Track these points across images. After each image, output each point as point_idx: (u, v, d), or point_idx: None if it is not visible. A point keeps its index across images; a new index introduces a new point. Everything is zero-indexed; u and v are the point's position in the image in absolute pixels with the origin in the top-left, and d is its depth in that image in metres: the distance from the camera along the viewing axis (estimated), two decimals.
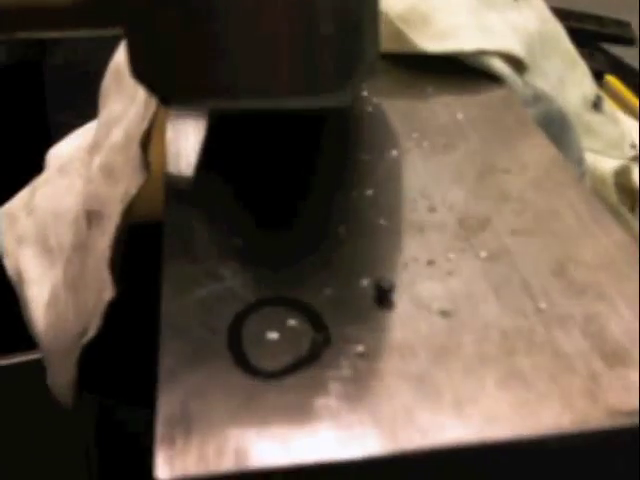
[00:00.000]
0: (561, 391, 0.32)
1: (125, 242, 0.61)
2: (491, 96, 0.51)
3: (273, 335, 0.35)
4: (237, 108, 0.40)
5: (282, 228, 0.41)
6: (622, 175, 0.60)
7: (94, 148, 0.72)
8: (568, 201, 0.43)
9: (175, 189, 0.43)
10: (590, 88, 0.64)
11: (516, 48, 0.54)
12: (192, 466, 0.29)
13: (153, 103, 0.56)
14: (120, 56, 0.72)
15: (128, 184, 0.61)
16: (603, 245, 0.39)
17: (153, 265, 0.67)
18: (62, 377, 0.67)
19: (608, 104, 0.66)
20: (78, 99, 1.03)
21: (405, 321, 0.36)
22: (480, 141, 0.48)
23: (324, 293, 0.37)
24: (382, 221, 0.42)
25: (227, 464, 0.29)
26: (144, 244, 0.61)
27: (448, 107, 0.51)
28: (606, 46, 0.96)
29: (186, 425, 0.30)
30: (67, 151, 0.83)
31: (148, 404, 0.65)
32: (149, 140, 0.56)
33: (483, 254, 0.39)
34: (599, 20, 1.01)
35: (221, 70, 0.36)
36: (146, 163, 0.56)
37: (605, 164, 0.61)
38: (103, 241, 0.66)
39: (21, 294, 0.76)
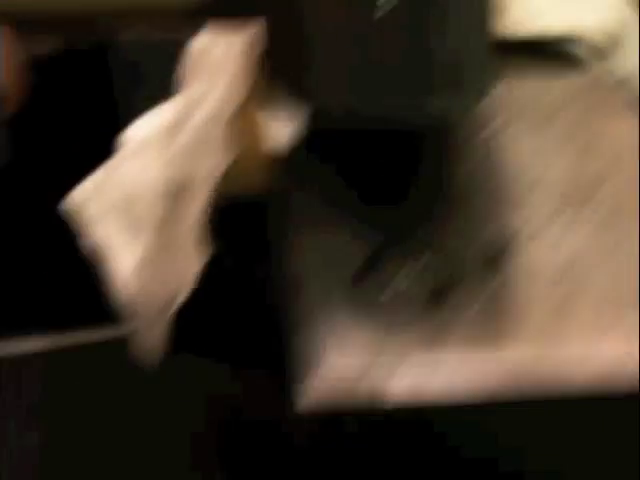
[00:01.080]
0: None
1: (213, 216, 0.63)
2: (579, 81, 0.53)
3: (394, 287, 0.37)
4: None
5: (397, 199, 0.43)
6: None
7: (175, 128, 0.75)
8: None
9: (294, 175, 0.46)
10: None
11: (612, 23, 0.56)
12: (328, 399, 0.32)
13: (239, 89, 0.59)
14: (200, 43, 0.75)
15: (214, 162, 0.64)
16: None
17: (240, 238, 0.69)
18: (152, 339, 0.70)
19: None
20: (148, 82, 1.06)
21: (515, 286, 0.38)
22: (574, 122, 0.50)
23: (436, 258, 0.39)
24: (488, 194, 0.44)
25: (361, 400, 0.32)
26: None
27: (540, 89, 0.53)
28: None
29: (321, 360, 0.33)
30: (143, 132, 0.86)
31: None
32: (236, 122, 0.59)
33: (589, 225, 0.41)
34: None
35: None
36: (229, 142, 0.59)
37: None
38: (190, 214, 0.69)
39: (104, 266, 0.79)
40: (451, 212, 0.42)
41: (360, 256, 0.38)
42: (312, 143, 0.47)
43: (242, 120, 0.57)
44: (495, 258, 0.38)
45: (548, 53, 0.55)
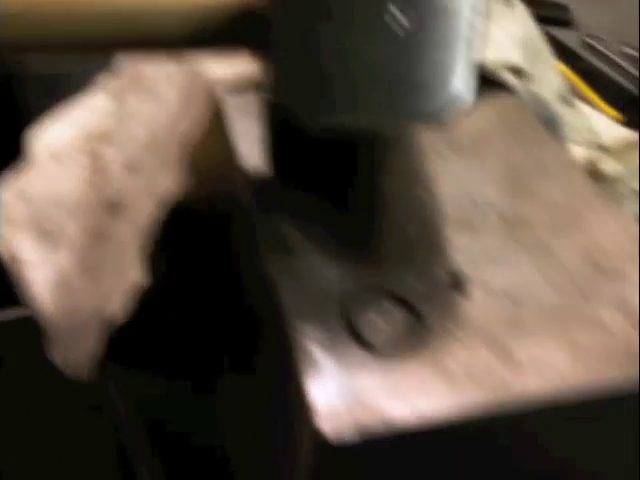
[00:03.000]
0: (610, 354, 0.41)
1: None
2: (505, 104, 0.59)
3: (376, 318, 0.42)
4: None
5: (359, 228, 0.48)
6: (592, 163, 0.70)
7: (106, 140, 0.76)
8: (582, 196, 0.51)
9: (258, 187, 0.49)
10: (558, 81, 0.72)
11: (516, 58, 0.62)
12: (349, 427, 0.36)
13: (195, 107, 0.60)
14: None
15: (158, 180, 0.65)
16: (619, 233, 0.48)
17: (183, 250, 0.71)
18: (79, 354, 0.71)
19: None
20: (48, 82, 1.05)
21: (480, 305, 0.43)
22: (503, 148, 0.55)
23: (409, 282, 0.44)
24: (439, 220, 0.49)
25: (375, 424, 0.36)
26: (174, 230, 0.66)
27: (470, 115, 0.58)
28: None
29: (338, 396, 0.37)
30: (58, 137, 0.85)
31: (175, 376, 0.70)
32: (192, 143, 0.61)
33: (528, 247, 0.47)
34: (538, 3, 1.10)
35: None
36: (191, 165, 0.61)
37: (576, 153, 0.70)
38: (128, 231, 0.70)
39: (18, 276, 0.79)
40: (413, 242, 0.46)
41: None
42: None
43: (199, 142, 0.59)
44: (461, 280, 0.43)
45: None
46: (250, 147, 0.52)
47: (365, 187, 0.51)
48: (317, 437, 0.36)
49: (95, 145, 0.84)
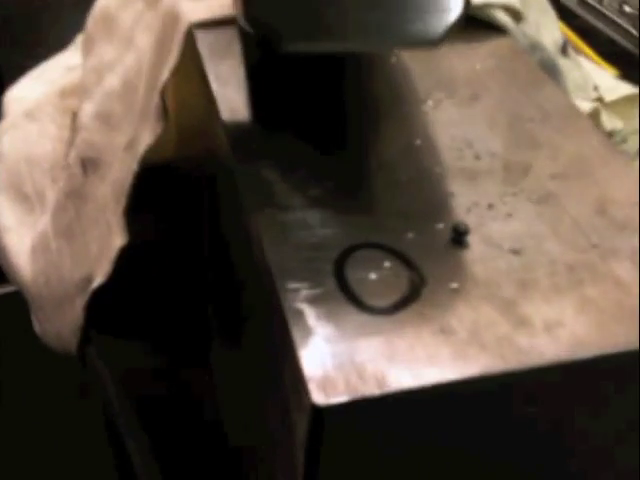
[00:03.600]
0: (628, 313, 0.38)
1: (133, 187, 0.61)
2: (500, 46, 0.56)
3: (373, 276, 0.38)
4: (345, 51, 0.42)
5: (349, 174, 0.44)
6: (593, 117, 0.66)
7: (82, 94, 0.72)
8: (590, 145, 0.48)
9: (238, 139, 0.45)
10: (558, 33, 0.69)
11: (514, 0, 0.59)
12: (343, 392, 0.33)
13: (169, 51, 0.56)
14: (107, 1, 0.71)
15: (135, 132, 0.61)
16: (630, 183, 0.45)
17: (161, 208, 0.68)
18: (61, 323, 0.68)
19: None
20: (25, 38, 1.00)
21: (483, 259, 0.40)
22: (501, 91, 0.52)
23: (407, 237, 0.41)
24: (437, 169, 0.45)
25: (371, 389, 0.33)
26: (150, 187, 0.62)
27: (464, 57, 0.55)
28: None
29: (327, 360, 0.34)
30: (32, 95, 0.81)
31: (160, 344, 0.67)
32: (165, 92, 0.57)
33: (534, 197, 0.44)
34: None
35: (334, 13, 0.38)
36: (165, 112, 0.57)
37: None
38: (104, 188, 0.67)
39: None
40: (407, 193, 0.43)
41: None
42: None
43: (173, 90, 0.55)
44: (459, 234, 0.40)
45: (472, 19, 0.57)
46: (230, 93, 0.48)
47: (355, 132, 0.47)
48: (311, 406, 0.32)
49: (71, 101, 0.79)
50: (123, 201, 0.62)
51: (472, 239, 0.41)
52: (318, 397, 0.32)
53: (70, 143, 0.77)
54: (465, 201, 0.43)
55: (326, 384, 0.33)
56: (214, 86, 0.49)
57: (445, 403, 0.35)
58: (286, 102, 0.47)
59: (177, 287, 0.64)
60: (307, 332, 0.35)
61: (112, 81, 0.69)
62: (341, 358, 0.34)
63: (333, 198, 0.42)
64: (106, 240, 0.66)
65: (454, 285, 0.38)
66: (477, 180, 0.45)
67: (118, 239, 0.65)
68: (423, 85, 0.51)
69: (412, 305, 0.37)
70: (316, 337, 0.35)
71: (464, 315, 0.37)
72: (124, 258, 0.62)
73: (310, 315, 0.36)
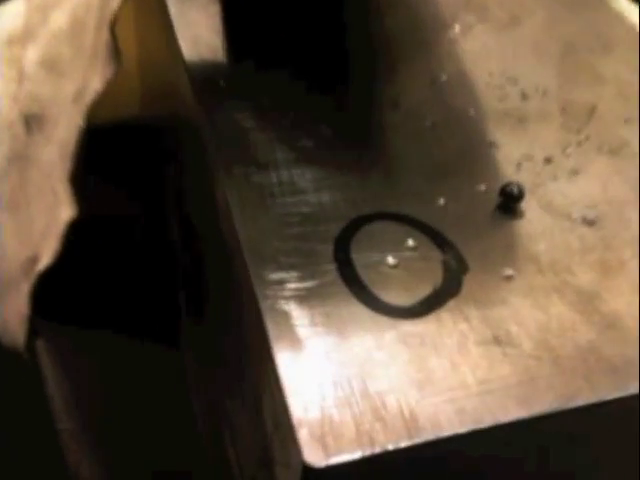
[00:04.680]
0: None
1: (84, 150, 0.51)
2: None
3: (391, 260, 0.27)
4: None
5: (354, 120, 0.32)
6: None
7: (26, 38, 0.60)
8: None
9: (203, 78, 0.33)
10: None
11: None
12: (351, 446, 0.21)
13: None
14: None
15: (84, 79, 0.50)
16: None
17: (120, 176, 0.56)
18: (7, 313, 0.57)
19: None
20: None
21: (546, 233, 0.28)
22: (547, 13, 0.40)
23: (437, 204, 0.29)
24: (472, 112, 0.33)
25: (397, 438, 0.21)
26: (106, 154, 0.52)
27: None
28: None
29: (326, 393, 0.22)
30: None
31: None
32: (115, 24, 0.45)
33: (604, 147, 0.32)
34: None
35: None
36: (118, 52, 0.46)
37: None
38: (50, 150, 0.56)
39: None
40: (437, 144, 0.31)
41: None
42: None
43: (136, 40, 0.44)
44: (511, 198, 0.28)
45: None
46: (194, 24, 0.36)
47: (362, 66, 0.35)
48: (302, 466, 0.21)
49: (18, 50, 0.67)
50: (69, 165, 0.50)
51: (527, 205, 0.29)
52: (313, 455, 0.21)
53: (16, 98, 0.64)
54: (513, 153, 0.32)
55: (325, 433, 0.21)
56: (173, 10, 0.37)
57: (502, 451, 0.23)
58: (271, 29, 0.35)
59: (149, 270, 0.53)
60: (295, 347, 0.23)
61: (58, 20, 0.57)
62: (347, 389, 0.22)
63: (332, 151, 0.31)
64: (53, 212, 0.54)
65: (507, 272, 0.27)
66: (527, 126, 0.33)
67: (66, 211, 0.52)
68: (448, 6, 0.39)
69: (449, 302, 0.25)
70: (309, 355, 0.23)
71: (526, 316, 0.25)
72: (83, 235, 0.50)
73: (299, 320, 0.24)
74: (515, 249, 0.28)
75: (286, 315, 0.24)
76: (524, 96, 0.35)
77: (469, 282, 0.26)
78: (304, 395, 0.22)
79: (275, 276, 0.25)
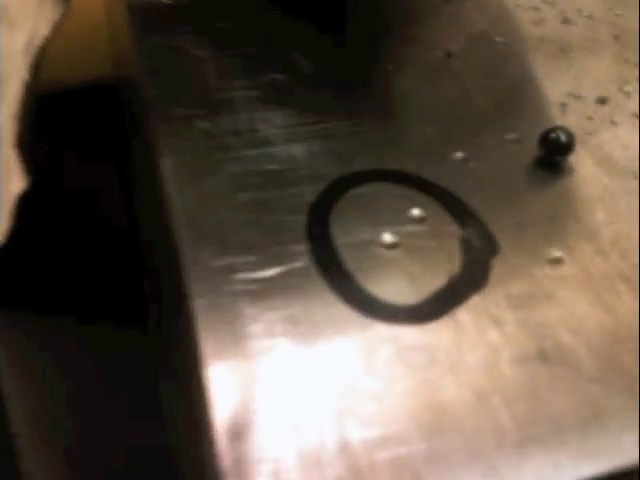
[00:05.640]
0: None
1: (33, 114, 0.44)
2: None
3: (388, 237, 0.19)
4: None
5: (342, 49, 0.24)
6: None
7: None
8: None
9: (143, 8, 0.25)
10: None
11: None
12: None
13: None
14: None
15: (34, 27, 0.43)
16: None
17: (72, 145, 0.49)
18: None
19: None
20: None
21: (605, 198, 0.20)
22: None
23: (453, 158, 0.21)
24: (498, 38, 0.25)
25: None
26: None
27: None
28: None
29: (287, 449, 0.15)
30: None
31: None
32: None
33: None
34: None
35: None
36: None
37: None
38: (3, 112, 0.49)
39: None
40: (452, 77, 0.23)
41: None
42: None
43: None
44: (555, 149, 0.20)
45: None
46: None
47: None
48: None
49: None
50: (17, 127, 0.42)
51: (578, 159, 0.21)
52: None
53: None
54: (555, 91, 0.24)
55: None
56: None
57: None
58: None
59: (115, 250, 0.45)
60: (240, 371, 0.16)
61: None
62: (317, 442, 0.15)
63: (311, 89, 0.22)
64: (4, 184, 0.47)
65: (554, 253, 0.19)
66: (571, 57, 0.25)
67: (17, 182, 0.45)
68: None
69: (471, 299, 0.18)
70: (263, 387, 0.15)
71: (584, 318, 0.17)
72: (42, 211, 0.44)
73: (251, 328, 0.16)
74: (563, 220, 0.20)
75: (231, 320, 0.17)
76: (564, 20, 0.26)
77: (500, 269, 0.18)
78: (243, 450, 0.14)
79: (219, 262, 0.18)
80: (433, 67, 0.24)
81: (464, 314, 0.17)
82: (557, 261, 0.19)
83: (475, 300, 0.17)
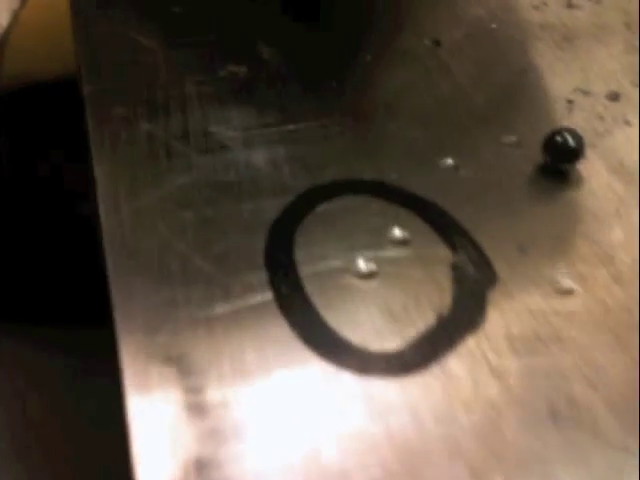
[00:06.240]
0: None
1: None
2: None
3: (363, 265, 0.15)
4: None
5: (315, 38, 0.21)
6: None
7: None
8: None
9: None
10: None
11: None
12: None
13: None
14: None
15: None
16: None
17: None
18: None
19: None
20: None
21: (620, 212, 0.17)
22: None
23: (443, 166, 0.18)
24: (494, 25, 0.22)
25: None
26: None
27: None
28: None
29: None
30: None
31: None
32: None
33: None
34: None
35: None
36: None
37: None
38: None
39: None
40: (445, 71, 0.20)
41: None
42: None
43: None
44: (562, 154, 0.17)
45: None
46: None
47: None
48: None
49: None
50: None
51: (587, 166, 0.18)
52: None
53: None
54: (560, 86, 0.20)
55: None
56: None
57: None
58: None
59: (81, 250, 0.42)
60: (170, 442, 0.12)
61: None
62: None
63: (276, 84, 0.19)
64: None
65: (564, 282, 0.16)
66: (577, 46, 0.22)
67: None
68: None
69: (465, 342, 0.14)
70: (197, 461, 0.12)
71: (603, 365, 0.14)
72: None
73: (189, 381, 0.13)
74: (573, 241, 0.16)
75: (163, 370, 0.13)
76: (569, 4, 0.23)
77: (499, 303, 0.15)
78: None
79: (155, 296, 0.14)
80: (419, 58, 0.21)
81: (456, 362, 0.14)
82: (567, 292, 0.15)
83: (470, 344, 0.14)
